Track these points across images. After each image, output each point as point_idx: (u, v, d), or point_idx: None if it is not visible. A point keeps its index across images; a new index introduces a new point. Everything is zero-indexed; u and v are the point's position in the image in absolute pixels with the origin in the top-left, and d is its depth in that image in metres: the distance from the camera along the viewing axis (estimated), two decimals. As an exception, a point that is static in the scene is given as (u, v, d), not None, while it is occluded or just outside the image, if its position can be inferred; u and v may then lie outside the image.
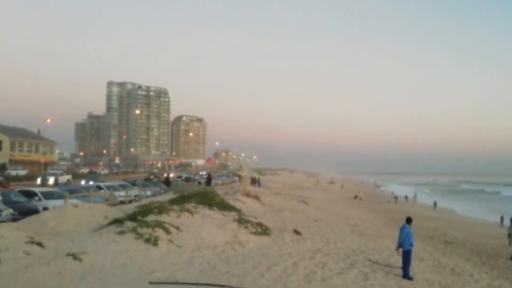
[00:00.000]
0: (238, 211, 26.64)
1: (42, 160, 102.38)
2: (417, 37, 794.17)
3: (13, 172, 75.58)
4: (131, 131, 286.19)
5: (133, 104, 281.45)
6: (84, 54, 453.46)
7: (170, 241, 17.11)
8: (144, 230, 16.96)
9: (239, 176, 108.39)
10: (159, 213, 20.50)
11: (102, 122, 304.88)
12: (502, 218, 52.40)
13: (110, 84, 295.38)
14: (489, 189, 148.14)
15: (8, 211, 22.15)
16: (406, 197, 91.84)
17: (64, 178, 67.76)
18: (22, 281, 11.38)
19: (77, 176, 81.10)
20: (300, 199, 54.47)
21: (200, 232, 19.32)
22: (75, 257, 13.51)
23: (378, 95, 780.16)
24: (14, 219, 20.71)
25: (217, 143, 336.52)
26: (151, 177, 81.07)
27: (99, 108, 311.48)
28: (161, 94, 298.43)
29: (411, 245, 16.53)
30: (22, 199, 26.65)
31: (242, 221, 22.77)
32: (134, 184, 46.45)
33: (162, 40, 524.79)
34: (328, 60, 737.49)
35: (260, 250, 18.81)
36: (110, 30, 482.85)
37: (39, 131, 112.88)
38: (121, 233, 16.47)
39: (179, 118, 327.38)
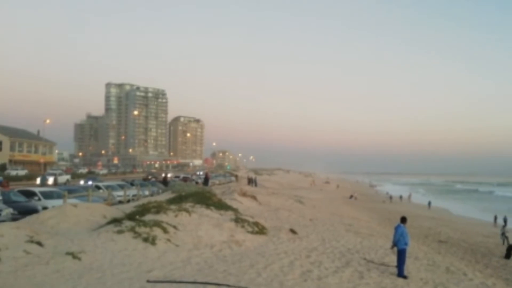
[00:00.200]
0: (235, 210, 26.64)
1: (42, 160, 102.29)
2: (409, 40, 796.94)
3: (13, 172, 75.64)
4: (129, 132, 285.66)
5: (131, 105, 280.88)
6: (83, 56, 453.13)
7: (168, 240, 17.11)
8: (142, 230, 16.95)
9: (236, 176, 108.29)
10: (157, 212, 20.49)
11: (100, 123, 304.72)
12: (495, 218, 52.60)
13: (108, 85, 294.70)
14: (483, 189, 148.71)
15: (8, 211, 22.12)
16: (400, 197, 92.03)
17: (63, 178, 67.73)
18: (21, 279, 11.38)
19: (76, 176, 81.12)
20: (296, 198, 54.45)
21: (198, 231, 19.31)
22: (74, 256, 13.51)
23: (373, 97, 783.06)
24: (14, 219, 20.67)
25: (214, 144, 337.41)
26: (149, 177, 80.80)
27: (98, 109, 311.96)
28: (159, 95, 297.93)
29: (405, 244, 16.53)
30: (21, 198, 26.60)
31: (239, 220, 22.77)
32: (132, 184, 46.38)
33: (160, 42, 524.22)
34: (324, 62, 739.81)
35: (256, 249, 18.82)
36: (108, 32, 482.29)
37: (38, 131, 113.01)
38: (120, 232, 16.46)
39: (176, 119, 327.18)
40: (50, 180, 61.01)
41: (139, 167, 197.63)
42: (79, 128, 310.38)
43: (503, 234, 36.40)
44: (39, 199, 27.26)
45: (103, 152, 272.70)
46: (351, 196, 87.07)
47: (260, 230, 22.59)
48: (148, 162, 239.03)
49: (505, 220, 44.71)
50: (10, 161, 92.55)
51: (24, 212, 22.83)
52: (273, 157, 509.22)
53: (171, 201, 26.19)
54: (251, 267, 15.28)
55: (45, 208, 23.96)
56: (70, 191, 29.31)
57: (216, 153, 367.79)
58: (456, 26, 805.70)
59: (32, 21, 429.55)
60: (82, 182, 59.87)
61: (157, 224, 17.99)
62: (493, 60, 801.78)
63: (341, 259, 18.49)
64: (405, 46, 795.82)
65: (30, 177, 70.36)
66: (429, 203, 76.88)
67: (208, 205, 25.30)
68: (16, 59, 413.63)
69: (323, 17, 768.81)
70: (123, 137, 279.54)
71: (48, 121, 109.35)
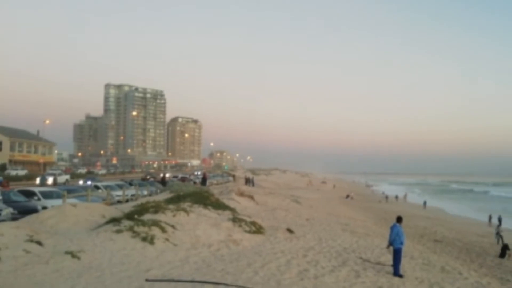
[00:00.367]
0: (232, 210, 26.64)
1: (41, 160, 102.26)
2: (407, 41, 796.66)
3: (13, 172, 75.62)
4: (128, 132, 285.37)
5: (130, 106, 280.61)
6: (82, 57, 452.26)
7: (166, 239, 17.13)
8: (141, 229, 16.97)
9: (234, 176, 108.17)
10: (155, 212, 20.49)
11: (99, 123, 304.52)
12: (490, 217, 52.70)
13: (107, 86, 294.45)
14: (478, 189, 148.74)
15: (8, 210, 22.13)
16: (396, 197, 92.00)
17: (62, 178, 67.69)
18: (21, 278, 11.39)
19: (75, 176, 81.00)
20: (293, 198, 54.49)
21: (196, 231, 19.33)
22: (73, 255, 13.52)
23: (370, 97, 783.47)
24: (13, 218, 20.67)
25: (212, 144, 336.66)
26: (148, 177, 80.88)
27: (97, 110, 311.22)
28: (157, 96, 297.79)
29: (401, 243, 16.56)
30: (21, 198, 26.61)
31: (236, 220, 22.79)
32: (131, 184, 46.39)
33: (158, 43, 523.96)
34: (321, 63, 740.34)
35: (254, 248, 18.84)
36: (107, 33, 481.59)
37: (38, 132, 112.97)
38: (118, 231, 16.47)
39: (174, 120, 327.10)
40: (50, 180, 60.96)
41: (138, 167, 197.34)
42: (78, 129, 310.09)
43: (497, 233, 36.48)
44: (39, 199, 27.25)
45: (102, 152, 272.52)
46: (347, 196, 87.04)
47: (257, 229, 22.61)
48: (147, 162, 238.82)
49: (499, 220, 44.80)
50: (10, 161, 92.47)
51: (24, 211, 22.84)
52: (270, 157, 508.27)
53: (169, 201, 26.19)
54: (249, 266, 15.30)
55: (44, 207, 23.95)
56: (70, 191, 29.36)
57: (214, 153, 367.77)
58: (453, 27, 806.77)
59: (32, 21, 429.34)
60: (81, 182, 59.81)
61: (156, 223, 18.01)
62: (490, 61, 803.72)
63: (338, 258, 18.52)
64: (402, 46, 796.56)
65: (30, 177, 70.33)
66: (425, 203, 76.85)
67: (206, 205, 25.31)
68: (16, 60, 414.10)
69: (322, 18, 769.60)
70: (121, 137, 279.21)
71: (47, 121, 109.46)
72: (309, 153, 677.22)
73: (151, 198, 33.08)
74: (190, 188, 41.60)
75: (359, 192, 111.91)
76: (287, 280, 13.96)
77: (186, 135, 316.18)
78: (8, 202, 24.56)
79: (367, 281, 15.03)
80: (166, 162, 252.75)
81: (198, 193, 31.29)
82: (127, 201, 36.20)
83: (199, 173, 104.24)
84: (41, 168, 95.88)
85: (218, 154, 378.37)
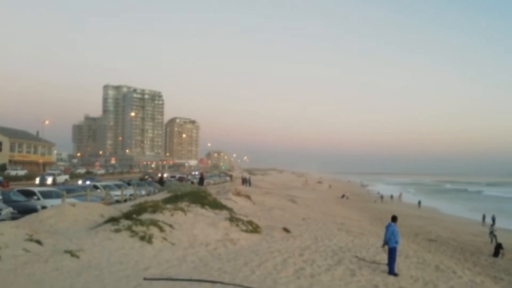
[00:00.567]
0: (229, 210, 26.63)
1: (41, 160, 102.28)
2: (400, 43, 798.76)
3: (13, 172, 75.59)
4: (126, 133, 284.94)
5: (128, 107, 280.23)
6: (81, 59, 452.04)
7: (164, 238, 17.11)
8: (139, 228, 16.95)
9: (231, 176, 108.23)
10: (153, 211, 20.47)
11: (98, 124, 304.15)
12: (484, 217, 52.78)
13: (106, 87, 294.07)
14: (472, 189, 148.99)
15: (8, 210, 22.12)
16: (391, 197, 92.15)
17: (62, 178, 67.73)
18: (21, 277, 11.37)
19: (74, 176, 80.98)
20: (289, 198, 54.57)
21: (193, 230, 19.32)
22: (72, 254, 13.50)
23: (365, 98, 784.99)
24: (13, 218, 20.64)
25: (209, 144, 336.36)
26: (146, 177, 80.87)
27: (96, 111, 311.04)
28: (155, 97, 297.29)
29: (396, 242, 16.58)
30: (21, 198, 26.60)
31: (233, 219, 22.79)
32: (129, 184, 46.37)
33: (156, 45, 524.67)
34: (317, 64, 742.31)
35: (250, 248, 18.84)
36: (106, 35, 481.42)
37: (37, 132, 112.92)
38: (117, 231, 16.45)
39: (172, 120, 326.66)
40: (49, 180, 60.99)
41: (136, 167, 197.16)
42: (78, 129, 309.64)
43: (491, 232, 36.58)
44: (38, 199, 27.25)
45: (100, 152, 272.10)
46: (343, 196, 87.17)
47: (254, 229, 22.61)
48: (145, 163, 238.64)
49: (493, 219, 44.92)
50: (10, 161, 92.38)
51: (23, 211, 22.82)
52: (266, 158, 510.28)
53: (167, 201, 26.15)
54: (245, 265, 15.30)
55: (44, 207, 23.96)
56: (69, 191, 29.34)
57: (211, 154, 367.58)
58: (447, 30, 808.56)
59: (31, 23, 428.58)
60: (80, 182, 59.73)
61: (154, 223, 17.98)
62: (483, 63, 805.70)
63: (333, 257, 18.52)
64: (397, 49, 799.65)
65: (30, 177, 70.32)
66: (419, 203, 77.03)
67: (203, 205, 25.30)
68: (16, 60, 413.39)
69: (316, 21, 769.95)
70: (120, 138, 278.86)
71: (47, 122, 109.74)
72: (305, 153, 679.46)
73: (149, 198, 33.02)
74: (188, 188, 41.54)
75: (354, 192, 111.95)
76: (284, 279, 13.97)
77: (184, 135, 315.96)
78: (8, 201, 24.56)
79: (363, 279, 15.04)
80: (164, 162, 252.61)
81: (195, 193, 31.24)
82: (125, 200, 36.18)
83: (196, 173, 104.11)
84: (41, 168, 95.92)
85: (216, 155, 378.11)
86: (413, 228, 41.63)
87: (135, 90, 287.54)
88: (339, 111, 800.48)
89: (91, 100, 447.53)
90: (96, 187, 39.42)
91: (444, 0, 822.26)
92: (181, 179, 71.41)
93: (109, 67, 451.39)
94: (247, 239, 20.40)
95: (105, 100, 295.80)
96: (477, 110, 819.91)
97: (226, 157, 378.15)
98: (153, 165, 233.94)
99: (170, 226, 18.62)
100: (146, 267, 13.75)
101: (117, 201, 35.30)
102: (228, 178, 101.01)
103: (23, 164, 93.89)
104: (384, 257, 17.93)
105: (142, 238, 16.25)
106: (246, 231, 21.65)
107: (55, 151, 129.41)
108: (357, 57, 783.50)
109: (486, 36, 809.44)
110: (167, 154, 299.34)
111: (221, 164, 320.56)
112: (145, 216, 19.27)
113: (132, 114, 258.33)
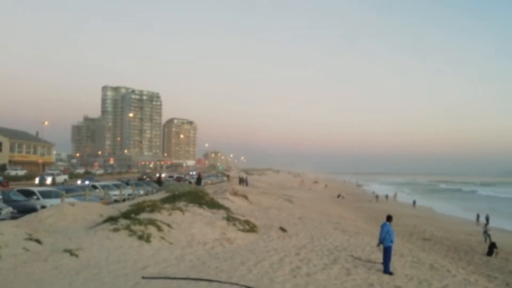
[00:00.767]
0: (226, 209, 26.67)
1: (40, 161, 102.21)
2: (397, 44, 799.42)
3: (13, 172, 75.48)
4: (125, 133, 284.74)
5: (126, 108, 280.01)
6: (80, 60, 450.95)
7: (162, 238, 17.11)
8: (137, 228, 16.94)
9: (228, 176, 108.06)
10: (152, 211, 20.49)
11: (97, 125, 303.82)
12: (478, 216, 52.86)
13: (105, 88, 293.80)
14: (466, 189, 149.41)
15: (7, 210, 22.08)
16: (386, 196, 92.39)
17: (61, 178, 67.65)
18: (21, 275, 11.38)
19: (73, 176, 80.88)
20: (286, 198, 54.55)
21: (191, 229, 19.33)
22: (71, 253, 13.51)
23: (360, 99, 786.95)
24: (13, 217, 20.62)
25: (206, 145, 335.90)
26: (144, 177, 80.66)
27: (95, 111, 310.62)
28: (153, 98, 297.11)
29: (391, 241, 16.58)
30: (21, 198, 26.58)
31: (230, 219, 22.80)
32: (127, 184, 46.30)
33: (154, 46, 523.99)
34: (313, 65, 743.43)
35: (247, 247, 18.84)
36: (105, 37, 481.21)
37: (37, 133, 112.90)
38: (115, 230, 16.45)
39: (170, 121, 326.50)
40: (49, 180, 60.91)
41: (134, 168, 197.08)
42: (77, 130, 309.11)
43: (485, 232, 36.66)
44: (38, 198, 27.23)
45: (99, 153, 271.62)
46: (338, 196, 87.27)
47: (251, 228, 22.62)
48: (143, 163, 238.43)
49: (487, 219, 45.02)
50: (10, 161, 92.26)
51: (23, 210, 22.82)
52: (263, 158, 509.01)
53: (165, 200, 26.19)
54: (242, 264, 15.31)
55: (43, 207, 23.97)
56: (68, 191, 29.32)
57: (209, 154, 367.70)
58: (439, 32, 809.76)
59: (31, 24, 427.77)
60: (79, 182, 59.64)
61: (152, 222, 17.98)
62: (478, 65, 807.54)
63: (329, 256, 18.53)
64: (390, 51, 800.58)
65: (29, 177, 70.24)
66: (414, 202, 77.08)
67: (200, 204, 25.33)
68: (15, 61, 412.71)
69: (312, 23, 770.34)
70: (118, 138, 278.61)
71: (46, 123, 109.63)
72: (301, 153, 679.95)
73: (147, 198, 33.02)
74: (185, 187, 41.54)
75: (350, 191, 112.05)
76: (280, 278, 13.97)
77: (182, 136, 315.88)
78: (8, 201, 24.54)
79: (358, 278, 15.05)
80: (162, 163, 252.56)
81: (193, 193, 31.28)
82: (124, 200, 36.17)
83: (194, 173, 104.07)
84: (40, 168, 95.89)
85: (213, 155, 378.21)
86: (408, 228, 41.67)
87: (133, 91, 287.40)
88: (334, 112, 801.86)
89: (90, 101, 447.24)
90: (95, 187, 39.37)
91: (445, 2, 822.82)
92: (179, 179, 71.32)
93: (108, 67, 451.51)
94: (244, 238, 20.40)
95: (103, 101, 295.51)
96: (471, 111, 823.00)
97: (223, 158, 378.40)
98: (151, 165, 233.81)
99: (168, 225, 18.62)
100: (144, 266, 13.75)
101: (116, 201, 35.30)
102: (225, 178, 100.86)
103: (22, 164, 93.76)
104: (379, 256, 17.96)
105: (140, 238, 16.25)
106: (243, 230, 21.66)
107: (55, 152, 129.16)
108: (352, 59, 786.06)
109: (481, 38, 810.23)
110: (165, 154, 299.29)
111: (219, 164, 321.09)
112: (143, 216, 19.28)
113: (131, 115, 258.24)
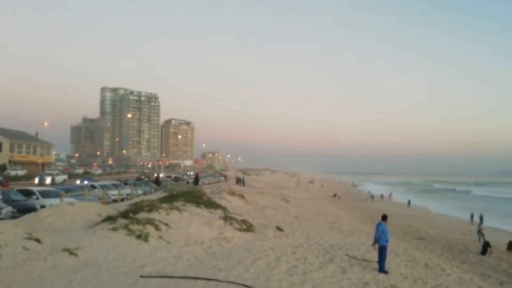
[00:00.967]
0: (224, 209, 26.66)
1: (40, 161, 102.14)
2: (396, 45, 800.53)
3: (13, 172, 75.31)
4: (123, 134, 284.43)
5: (125, 108, 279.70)
6: (80, 61, 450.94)
7: (160, 237, 17.11)
8: (136, 227, 16.94)
9: (225, 176, 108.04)
10: (150, 211, 20.48)
11: (96, 125, 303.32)
12: (472, 216, 52.90)
13: (103, 89, 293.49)
14: (460, 188, 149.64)
15: (7, 209, 22.07)
16: (381, 196, 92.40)
17: (60, 178, 67.56)
18: (20, 274, 11.37)
19: (72, 176, 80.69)
20: (282, 197, 54.50)
21: (188, 229, 19.32)
22: (70, 252, 13.50)
23: (360, 99, 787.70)
24: (13, 217, 20.61)
25: (204, 145, 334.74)
26: (142, 177, 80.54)
27: (93, 112, 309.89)
28: (152, 99, 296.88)
29: (386, 241, 16.59)
30: (21, 197, 26.57)
31: (227, 218, 22.80)
32: (126, 184, 46.24)
33: (153, 48, 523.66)
34: (310, 66, 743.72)
35: (244, 246, 18.84)
36: (104, 38, 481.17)
37: (37, 133, 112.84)
38: (114, 229, 16.44)
39: (168, 122, 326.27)
40: (48, 180, 60.77)
41: (133, 168, 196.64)
42: (76, 130, 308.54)
43: (479, 231, 36.71)
44: (38, 198, 27.22)
45: (98, 153, 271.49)
46: (334, 195, 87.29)
47: (248, 227, 22.62)
48: (141, 163, 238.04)
49: (481, 218, 45.13)
50: (10, 161, 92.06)
51: (23, 210, 22.83)
52: (260, 158, 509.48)
53: (163, 200, 26.18)
54: (239, 263, 15.31)
55: (43, 206, 23.98)
56: (67, 191, 29.33)
57: (206, 154, 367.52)
58: (439, 32, 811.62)
59: (31, 24, 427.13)
60: (78, 182, 59.53)
61: (150, 221, 17.98)
62: (474, 67, 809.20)
63: (325, 255, 18.53)
64: (387, 52, 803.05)
65: (29, 177, 70.11)
66: (409, 202, 77.19)
67: (198, 204, 25.33)
68: (15, 62, 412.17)
69: (311, 24, 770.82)
70: (117, 139, 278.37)
71: (46, 123, 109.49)
72: (298, 153, 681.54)
73: (146, 197, 32.97)
74: (183, 187, 41.60)
75: (345, 191, 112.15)
76: (277, 276, 13.97)
77: (179, 136, 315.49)
78: (8, 201, 24.55)
79: (354, 277, 15.05)
80: (160, 163, 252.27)
81: (190, 193, 31.29)
82: (122, 200, 36.16)
83: (191, 173, 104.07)
84: (40, 169, 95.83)
85: (210, 155, 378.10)
86: (402, 227, 41.68)
87: (132, 92, 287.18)
88: (330, 113, 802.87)
89: (89, 101, 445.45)
90: (93, 187, 39.36)
91: (445, 2, 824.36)
92: (176, 179, 71.40)
93: (107, 68, 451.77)
94: (241, 238, 20.40)
95: (102, 102, 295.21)
96: (466, 112, 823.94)
97: (220, 158, 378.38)
98: (149, 166, 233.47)
99: (166, 225, 18.61)
100: (143, 264, 13.75)
101: (114, 201, 35.28)
102: (222, 178, 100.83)
103: (22, 164, 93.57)
104: (374, 255, 17.96)
105: (139, 237, 16.25)
106: (240, 229, 21.66)
107: (54, 152, 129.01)
108: (350, 60, 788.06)
109: (481, 38, 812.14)
110: (163, 154, 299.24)
111: (216, 164, 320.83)
112: (142, 215, 19.28)
113: (129, 115, 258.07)
